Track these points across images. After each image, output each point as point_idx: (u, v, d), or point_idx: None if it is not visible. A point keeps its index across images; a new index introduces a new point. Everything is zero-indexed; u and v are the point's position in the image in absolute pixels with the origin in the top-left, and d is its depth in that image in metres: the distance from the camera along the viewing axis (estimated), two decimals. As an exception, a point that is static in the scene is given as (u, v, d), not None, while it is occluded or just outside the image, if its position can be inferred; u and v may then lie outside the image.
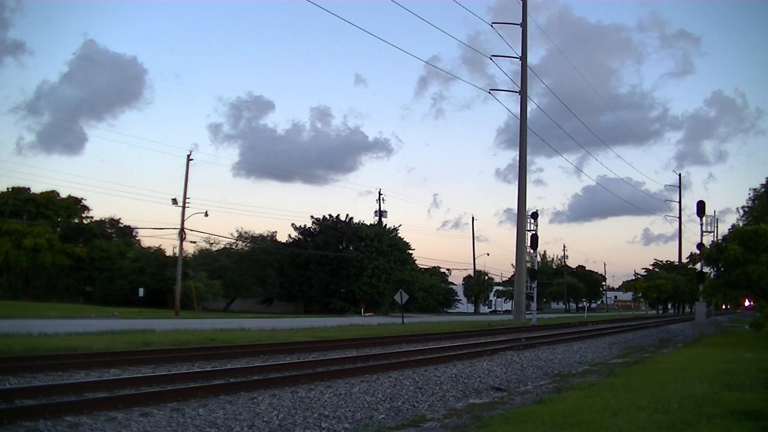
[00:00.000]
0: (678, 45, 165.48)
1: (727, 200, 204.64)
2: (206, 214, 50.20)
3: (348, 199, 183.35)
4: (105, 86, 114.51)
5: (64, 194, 67.48)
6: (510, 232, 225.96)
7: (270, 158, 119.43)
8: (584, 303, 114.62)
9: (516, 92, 44.21)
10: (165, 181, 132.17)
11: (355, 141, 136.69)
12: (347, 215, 72.26)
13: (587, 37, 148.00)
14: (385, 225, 73.54)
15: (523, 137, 43.46)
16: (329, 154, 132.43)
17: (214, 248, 65.39)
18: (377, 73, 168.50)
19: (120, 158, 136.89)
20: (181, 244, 48.94)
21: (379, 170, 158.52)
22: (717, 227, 41.55)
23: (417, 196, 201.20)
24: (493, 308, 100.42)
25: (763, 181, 61.79)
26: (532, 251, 44.18)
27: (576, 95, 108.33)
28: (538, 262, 51.87)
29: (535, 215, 43.62)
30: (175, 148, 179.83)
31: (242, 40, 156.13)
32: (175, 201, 47.95)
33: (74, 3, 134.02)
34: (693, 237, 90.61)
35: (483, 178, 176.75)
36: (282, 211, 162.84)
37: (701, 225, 38.13)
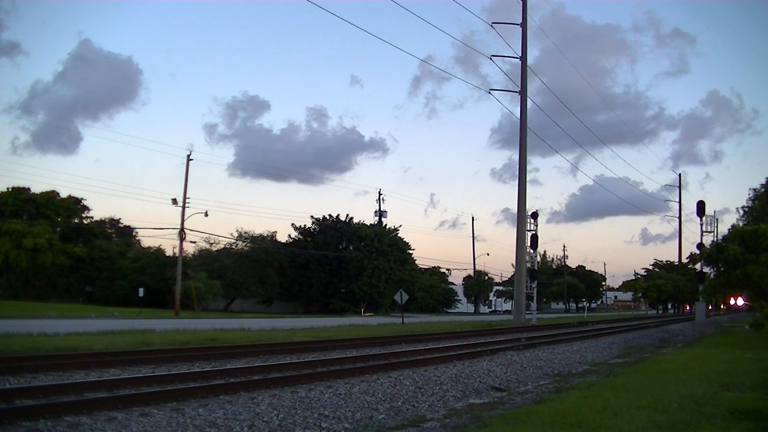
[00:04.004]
0: (673, 44, 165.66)
1: (724, 200, 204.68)
2: (206, 214, 50.21)
3: (345, 199, 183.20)
4: (100, 86, 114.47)
5: (63, 194, 67.65)
6: (508, 232, 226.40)
7: (266, 158, 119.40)
8: (584, 303, 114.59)
9: (515, 92, 44.25)
10: (162, 181, 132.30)
11: (351, 141, 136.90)
12: (347, 215, 72.31)
13: (581, 37, 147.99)
14: (385, 225, 73.59)
15: (523, 136, 43.44)
16: (325, 154, 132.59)
17: (214, 248, 65.42)
18: (373, 74, 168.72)
19: (116, 158, 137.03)
20: (181, 244, 48.97)
21: (376, 170, 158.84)
22: (717, 227, 41.61)
23: (414, 195, 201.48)
24: (493, 308, 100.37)
25: (763, 181, 61.95)
26: (532, 251, 44.19)
27: (570, 94, 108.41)
28: (538, 262, 51.87)
29: (534, 215, 43.64)
30: (170, 148, 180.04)
31: (237, 39, 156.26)
32: (175, 201, 47.94)
33: (70, 3, 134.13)
34: (692, 237, 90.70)
35: (478, 178, 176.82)
36: (278, 210, 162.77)
37: (701, 225, 38.24)
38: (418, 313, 68.50)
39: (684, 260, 69.39)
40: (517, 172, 44.46)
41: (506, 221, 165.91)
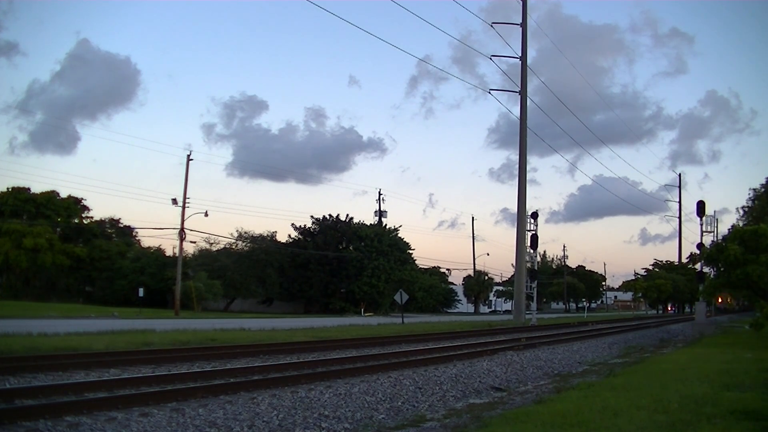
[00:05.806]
0: (671, 44, 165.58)
1: (723, 200, 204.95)
2: (206, 214, 50.26)
3: (344, 199, 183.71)
4: (98, 86, 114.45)
5: (63, 194, 67.66)
6: (507, 232, 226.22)
7: (264, 158, 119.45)
8: (584, 303, 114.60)
9: (515, 92, 44.24)
10: (160, 181, 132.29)
11: (349, 141, 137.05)
12: (347, 215, 72.38)
13: (579, 37, 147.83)
14: (385, 225, 73.61)
15: (523, 136, 43.43)
16: (324, 154, 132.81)
17: (214, 248, 65.44)
18: (371, 74, 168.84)
19: (114, 158, 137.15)
20: (181, 244, 48.98)
21: (374, 170, 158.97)
22: (717, 227, 41.62)
23: (412, 195, 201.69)
24: (493, 308, 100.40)
25: (763, 181, 62.03)
26: (532, 251, 44.16)
27: (568, 94, 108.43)
28: (538, 262, 51.85)
29: (534, 215, 43.61)
30: (169, 148, 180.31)
31: (235, 40, 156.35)
32: (175, 201, 47.95)
33: (68, 3, 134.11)
34: (691, 237, 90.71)
35: (476, 178, 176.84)
36: (277, 210, 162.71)
37: (701, 225, 38.22)
38: (418, 313, 68.49)
39: (684, 260, 69.48)
40: (517, 172, 44.54)
41: (505, 221, 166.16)
